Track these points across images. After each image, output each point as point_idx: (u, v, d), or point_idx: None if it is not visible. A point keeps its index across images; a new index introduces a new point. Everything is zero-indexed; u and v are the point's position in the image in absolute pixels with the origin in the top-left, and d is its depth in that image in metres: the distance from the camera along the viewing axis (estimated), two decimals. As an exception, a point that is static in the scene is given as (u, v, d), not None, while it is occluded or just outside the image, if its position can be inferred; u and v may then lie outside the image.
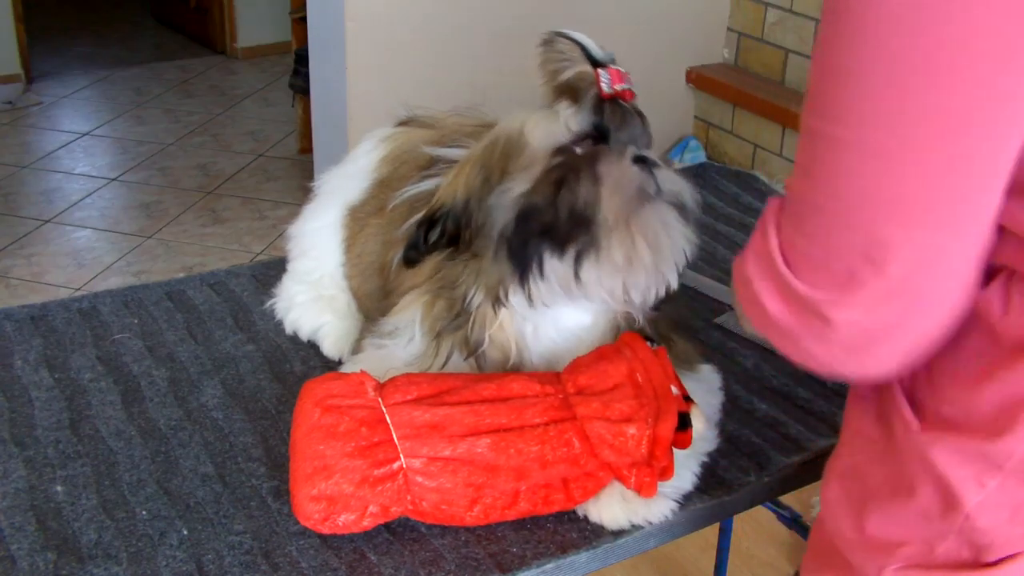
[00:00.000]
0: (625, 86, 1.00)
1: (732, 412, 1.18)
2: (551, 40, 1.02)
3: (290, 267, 1.37)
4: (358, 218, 1.28)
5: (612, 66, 1.00)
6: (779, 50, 3.74)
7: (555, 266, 1.00)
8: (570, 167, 0.99)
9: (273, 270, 1.44)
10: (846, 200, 0.70)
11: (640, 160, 1.00)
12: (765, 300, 0.76)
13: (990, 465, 0.72)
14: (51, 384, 1.21)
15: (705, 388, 1.13)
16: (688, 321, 1.30)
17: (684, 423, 1.00)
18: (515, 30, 3.44)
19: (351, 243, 1.28)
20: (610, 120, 0.99)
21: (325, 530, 0.98)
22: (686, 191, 1.03)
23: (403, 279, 1.14)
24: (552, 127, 1.01)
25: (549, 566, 0.98)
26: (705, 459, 1.09)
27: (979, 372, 0.73)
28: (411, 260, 1.07)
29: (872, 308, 0.71)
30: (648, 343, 1.04)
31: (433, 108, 1.34)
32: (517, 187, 1.01)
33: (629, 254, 0.99)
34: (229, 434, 1.14)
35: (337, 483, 0.95)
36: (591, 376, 1.01)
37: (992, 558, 0.74)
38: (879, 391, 0.82)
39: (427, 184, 1.14)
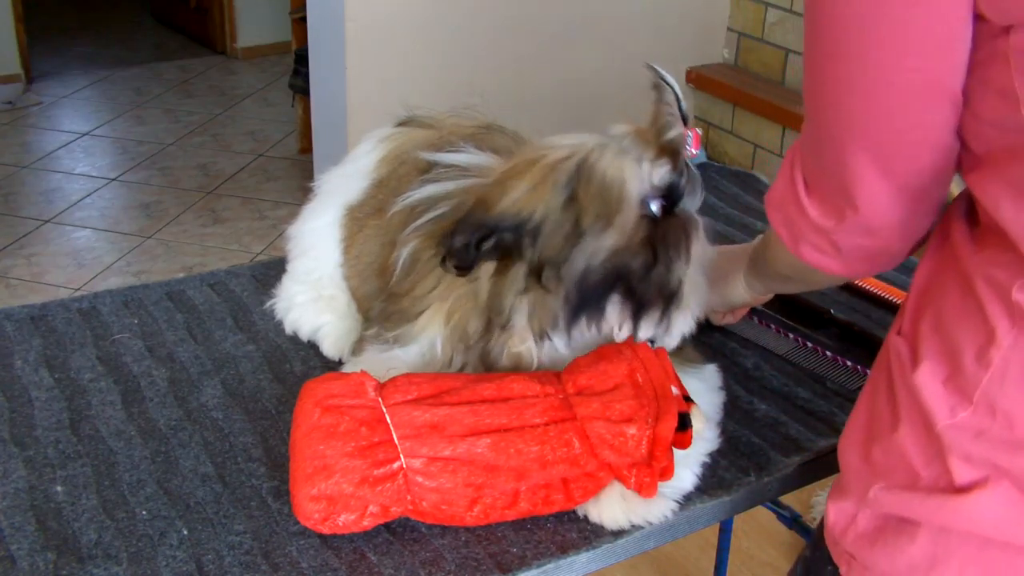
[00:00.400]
0: (697, 152, 1.04)
1: (732, 412, 1.18)
2: (662, 87, 1.03)
3: (290, 267, 1.37)
4: (357, 219, 1.28)
5: (690, 125, 1.04)
6: (779, 50, 3.74)
7: (615, 318, 1.04)
8: (665, 238, 1.02)
9: (273, 270, 1.44)
10: (824, 120, 0.84)
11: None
12: (795, 217, 0.92)
13: (963, 398, 0.80)
14: (51, 384, 1.21)
15: (706, 388, 1.13)
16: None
17: (684, 423, 1.00)
18: (515, 30, 3.44)
19: (349, 243, 1.28)
20: (686, 185, 1.04)
21: (325, 530, 0.98)
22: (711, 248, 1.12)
23: (413, 285, 1.12)
24: (642, 178, 1.02)
25: (549, 566, 0.98)
26: (706, 459, 1.09)
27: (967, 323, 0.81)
28: (462, 269, 1.04)
29: (863, 235, 0.88)
30: (648, 343, 1.04)
31: (433, 109, 1.34)
32: (609, 240, 1.01)
33: (685, 316, 1.06)
34: (229, 434, 1.14)
35: (337, 483, 0.95)
36: (591, 376, 1.01)
37: (962, 481, 0.80)
38: (887, 347, 0.92)
39: (428, 189, 1.13)
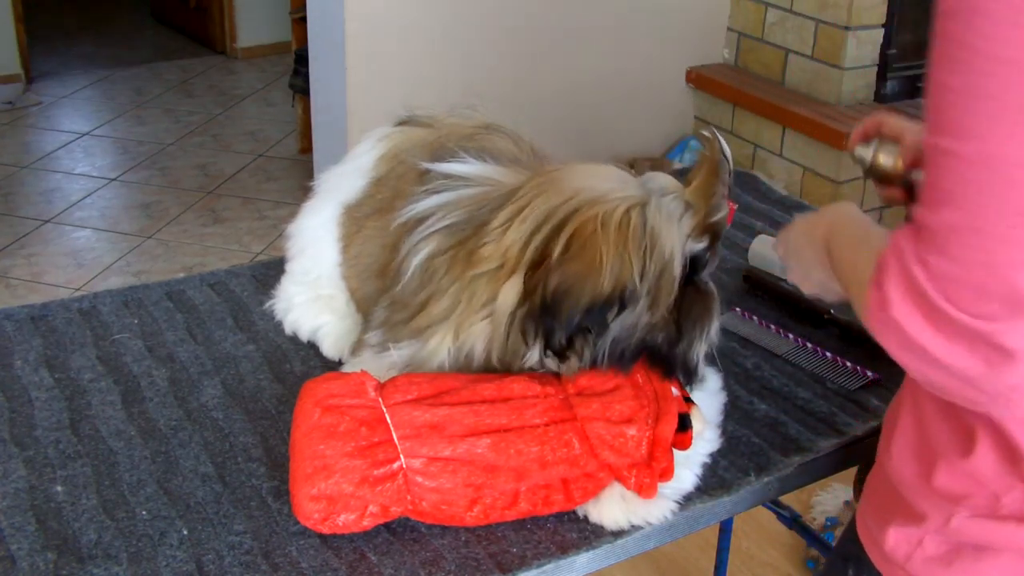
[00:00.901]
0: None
1: (732, 412, 1.18)
2: (721, 167, 1.02)
3: (288, 267, 1.36)
4: (355, 218, 1.27)
5: (729, 198, 1.04)
6: (779, 50, 3.74)
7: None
8: (690, 314, 1.03)
9: (273, 270, 1.44)
10: (1006, 216, 0.70)
11: None
12: (926, 343, 0.74)
13: None
14: (51, 384, 1.21)
15: (706, 392, 1.13)
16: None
17: (684, 424, 1.00)
18: (515, 31, 3.44)
19: (348, 243, 1.28)
20: (711, 255, 1.05)
21: (325, 530, 0.98)
22: None
23: (427, 301, 1.08)
24: (685, 250, 1.02)
25: (549, 566, 0.98)
26: (706, 460, 1.09)
27: None
28: (559, 354, 1.02)
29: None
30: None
31: (432, 109, 1.34)
32: (647, 316, 1.00)
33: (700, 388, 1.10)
34: (229, 434, 1.14)
35: (337, 483, 0.95)
36: (591, 377, 1.01)
37: None
38: None
39: (434, 200, 1.12)
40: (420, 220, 1.11)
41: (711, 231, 1.03)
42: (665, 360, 1.03)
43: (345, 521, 0.97)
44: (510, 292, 1.01)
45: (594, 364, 1.01)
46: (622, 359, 1.01)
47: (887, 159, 1.13)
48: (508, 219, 1.02)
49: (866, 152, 1.15)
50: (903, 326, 0.74)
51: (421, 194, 1.13)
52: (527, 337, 1.01)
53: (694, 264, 1.03)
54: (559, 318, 0.97)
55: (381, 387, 1.02)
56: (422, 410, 0.98)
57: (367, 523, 0.98)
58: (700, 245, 1.02)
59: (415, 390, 1.01)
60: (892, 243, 0.76)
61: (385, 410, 0.98)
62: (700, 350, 1.04)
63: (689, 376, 1.05)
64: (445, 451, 0.97)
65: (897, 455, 0.91)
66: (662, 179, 1.03)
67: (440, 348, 1.06)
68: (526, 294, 0.99)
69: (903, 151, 1.12)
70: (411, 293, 1.10)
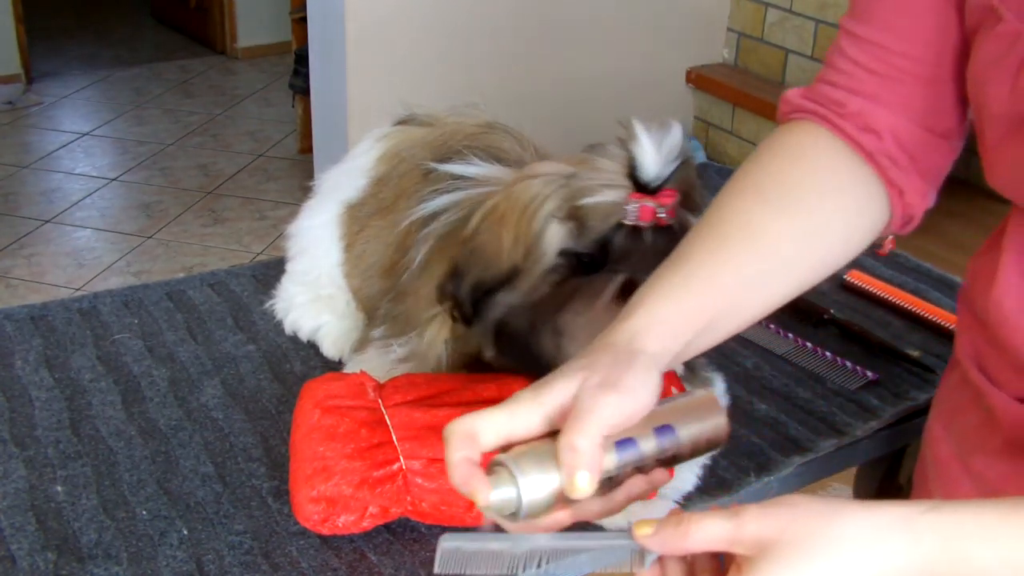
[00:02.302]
0: (648, 223, 0.93)
1: (732, 412, 1.17)
2: (596, 150, 0.97)
3: (288, 267, 1.37)
4: (357, 218, 1.27)
5: (666, 188, 0.94)
6: (779, 50, 3.74)
7: None
8: (544, 307, 0.97)
9: (273, 270, 1.44)
10: None
11: (630, 287, 0.92)
12: None
13: None
14: (51, 384, 1.21)
15: None
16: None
17: (684, 423, 1.00)
18: (515, 30, 3.44)
19: (350, 242, 1.28)
20: (620, 250, 0.94)
21: (325, 531, 0.98)
22: None
23: (421, 287, 1.11)
24: (560, 236, 0.97)
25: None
26: (707, 461, 1.09)
27: None
28: (466, 321, 1.02)
29: None
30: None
31: (432, 108, 1.33)
32: (508, 295, 0.99)
33: None
34: (229, 434, 1.14)
35: (337, 484, 0.95)
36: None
37: None
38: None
39: (444, 199, 1.12)
40: (431, 218, 1.12)
41: (576, 217, 0.95)
42: (520, 347, 0.98)
43: (345, 522, 0.97)
44: None
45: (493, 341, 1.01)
46: (496, 339, 1.00)
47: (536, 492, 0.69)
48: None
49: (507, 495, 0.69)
50: None
51: (430, 193, 1.14)
52: (447, 309, 1.03)
53: (584, 259, 0.96)
54: (461, 287, 1.00)
55: (381, 388, 1.02)
56: (422, 411, 0.98)
57: (367, 524, 0.98)
58: (564, 232, 0.96)
59: (415, 391, 1.01)
60: None
61: (385, 411, 0.98)
62: (552, 344, 0.96)
63: (538, 371, 0.91)
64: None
65: (935, 439, 0.89)
66: (601, 163, 0.97)
67: (436, 339, 1.08)
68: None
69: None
70: (410, 283, 1.13)
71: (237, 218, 3.83)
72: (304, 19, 3.49)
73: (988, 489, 0.87)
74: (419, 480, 0.96)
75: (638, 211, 0.93)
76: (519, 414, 0.70)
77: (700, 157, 3.88)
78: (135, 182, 4.09)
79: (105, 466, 1.08)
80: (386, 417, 0.98)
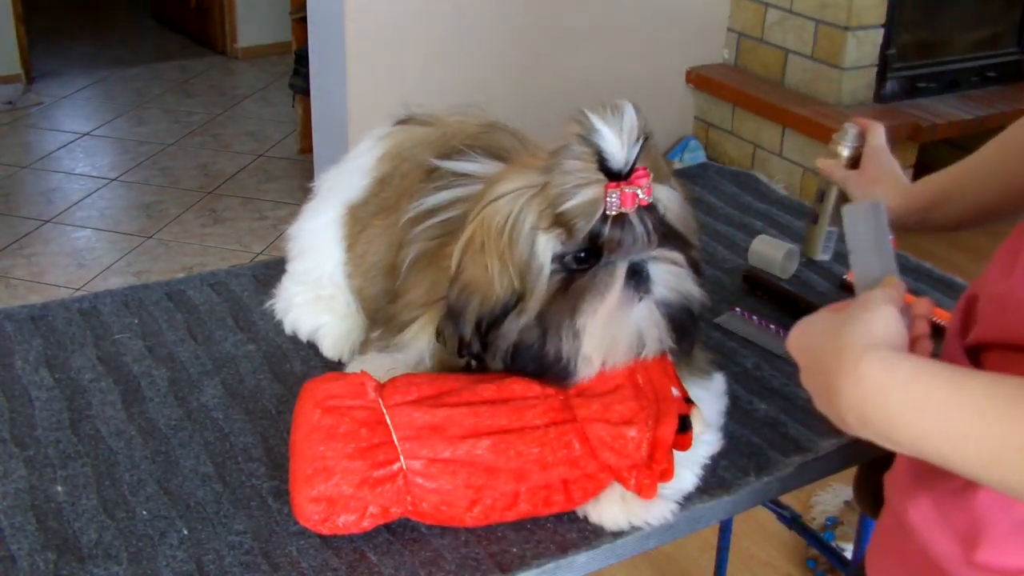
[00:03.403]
0: (632, 208, 0.95)
1: (732, 412, 1.18)
2: (560, 153, 0.96)
3: (289, 267, 1.37)
4: (359, 218, 1.27)
5: (637, 169, 0.95)
6: (779, 50, 3.74)
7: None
8: (551, 315, 0.98)
9: (273, 270, 1.44)
10: None
11: (634, 271, 0.97)
12: None
13: None
14: (51, 384, 1.21)
15: (709, 395, 1.12)
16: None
17: (684, 426, 1.00)
18: (515, 31, 3.44)
19: (352, 242, 1.28)
20: (611, 239, 0.96)
21: (325, 531, 0.98)
22: (679, 283, 1.00)
23: (406, 291, 1.12)
24: (546, 243, 0.98)
25: (549, 566, 0.98)
26: (707, 461, 1.09)
27: None
28: (478, 358, 1.03)
29: None
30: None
31: (432, 108, 1.34)
32: (515, 318, 0.99)
33: (604, 362, 1.01)
34: (229, 434, 1.14)
35: (337, 484, 0.95)
36: (592, 378, 1.01)
37: None
38: None
39: (443, 195, 1.13)
40: (427, 214, 1.12)
41: (562, 223, 0.96)
42: (539, 362, 1.00)
43: (345, 522, 0.97)
44: None
45: (506, 367, 1.02)
46: (514, 362, 1.01)
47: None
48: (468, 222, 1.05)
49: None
50: None
51: (430, 190, 1.14)
52: (447, 342, 1.04)
53: (578, 258, 0.97)
54: (463, 325, 1.01)
55: (381, 388, 1.02)
56: (422, 411, 0.98)
57: (367, 524, 0.98)
58: (560, 239, 0.97)
59: (415, 391, 1.01)
60: None
61: (385, 411, 0.98)
62: (570, 349, 0.98)
63: (561, 377, 1.00)
64: (445, 452, 0.97)
65: (924, 522, 0.82)
66: (569, 165, 0.97)
67: (420, 333, 1.09)
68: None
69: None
70: (401, 284, 1.13)
71: (237, 218, 3.83)
72: (304, 19, 3.49)
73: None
74: (419, 480, 0.96)
75: (619, 200, 0.95)
76: None
77: (700, 157, 3.88)
78: (135, 182, 4.09)
79: (105, 466, 1.08)
80: (386, 417, 0.98)
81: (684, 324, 1.02)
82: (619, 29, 3.63)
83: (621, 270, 0.96)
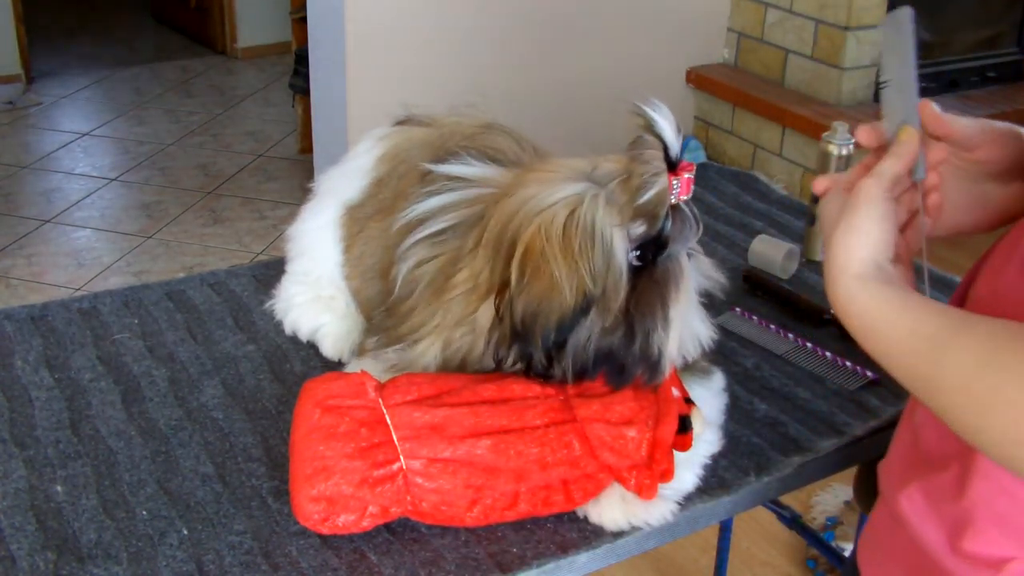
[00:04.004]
0: (688, 196, 0.99)
1: (732, 412, 1.18)
2: (639, 144, 0.98)
3: (289, 268, 1.37)
4: (357, 219, 1.27)
5: (684, 163, 0.98)
6: (779, 50, 3.74)
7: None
8: (640, 307, 0.98)
9: (273, 270, 1.44)
10: None
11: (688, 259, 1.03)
12: None
13: None
14: (51, 384, 1.21)
15: (710, 394, 1.12)
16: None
17: (684, 426, 1.00)
18: (515, 31, 3.44)
19: (350, 243, 1.28)
20: (673, 230, 0.98)
21: (325, 531, 0.98)
22: (711, 270, 1.09)
23: (411, 311, 1.10)
24: (626, 240, 0.98)
25: (549, 566, 0.98)
26: (707, 461, 1.09)
27: None
28: (545, 377, 1.01)
29: None
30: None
31: (432, 108, 1.33)
32: (599, 323, 0.98)
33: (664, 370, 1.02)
34: (229, 434, 1.14)
35: (337, 484, 0.95)
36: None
37: None
38: None
39: (432, 202, 1.12)
40: (419, 222, 1.12)
41: (644, 213, 0.97)
42: (622, 363, 0.99)
43: (345, 522, 0.97)
44: (485, 312, 1.02)
45: (564, 376, 1.00)
46: (585, 367, 0.99)
47: None
48: (476, 242, 1.03)
49: None
50: None
51: (423, 195, 1.13)
52: (503, 362, 1.02)
53: (648, 250, 0.98)
54: (533, 341, 0.98)
55: (381, 388, 1.02)
56: (422, 411, 0.98)
57: (367, 524, 0.98)
58: (640, 230, 0.98)
59: (415, 391, 1.01)
60: None
61: (385, 411, 0.98)
62: (662, 340, 0.99)
63: (653, 371, 1.00)
64: (445, 452, 0.97)
65: (914, 512, 0.86)
66: (607, 166, 0.99)
67: (428, 352, 1.08)
68: (497, 319, 1.00)
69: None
70: (399, 302, 1.12)
71: (237, 218, 3.83)
72: (304, 19, 3.49)
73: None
74: (419, 480, 0.96)
75: (680, 188, 0.98)
76: None
77: (700, 157, 3.88)
78: (135, 182, 4.09)
79: (105, 466, 1.08)
80: (386, 417, 0.98)
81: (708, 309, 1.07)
82: (619, 29, 3.63)
83: (685, 259, 1.00)
